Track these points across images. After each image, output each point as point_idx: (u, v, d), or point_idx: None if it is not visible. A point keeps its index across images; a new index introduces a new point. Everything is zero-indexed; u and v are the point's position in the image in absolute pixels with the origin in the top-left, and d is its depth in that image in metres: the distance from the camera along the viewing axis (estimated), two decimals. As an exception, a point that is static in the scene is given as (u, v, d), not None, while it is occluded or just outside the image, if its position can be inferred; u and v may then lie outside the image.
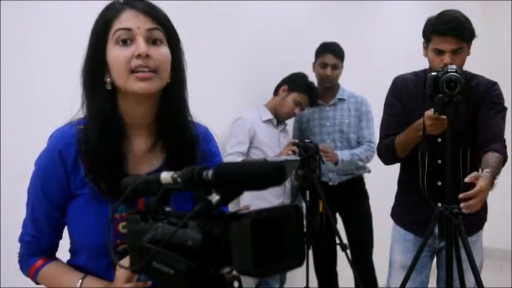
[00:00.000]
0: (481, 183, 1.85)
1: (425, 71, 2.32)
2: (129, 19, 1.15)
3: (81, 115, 1.23)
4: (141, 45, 1.13)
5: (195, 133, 1.27)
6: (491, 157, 2.03)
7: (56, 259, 1.28)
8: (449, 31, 2.11)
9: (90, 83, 1.19)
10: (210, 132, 1.37)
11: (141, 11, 1.16)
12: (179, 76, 1.22)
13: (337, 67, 3.24)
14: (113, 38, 1.15)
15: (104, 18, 1.17)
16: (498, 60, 4.96)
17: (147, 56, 1.13)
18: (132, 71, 1.14)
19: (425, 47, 2.24)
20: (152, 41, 1.16)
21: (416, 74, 2.36)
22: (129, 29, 1.14)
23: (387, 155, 2.35)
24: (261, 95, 3.24)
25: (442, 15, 2.17)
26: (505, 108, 2.24)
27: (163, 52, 1.17)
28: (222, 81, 3.11)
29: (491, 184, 1.90)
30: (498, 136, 2.15)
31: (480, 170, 1.96)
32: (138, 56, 1.13)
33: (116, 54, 1.14)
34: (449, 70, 2.00)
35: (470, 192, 1.85)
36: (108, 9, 1.19)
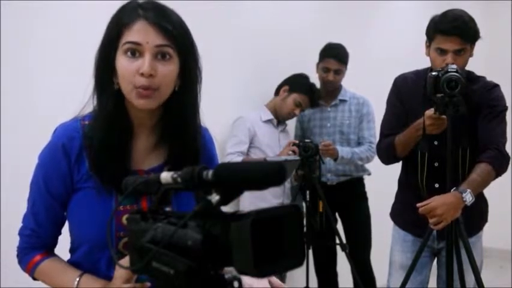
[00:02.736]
0: (432, 204, 1.99)
1: (427, 70, 2.31)
2: (139, 32, 1.14)
3: (84, 112, 1.25)
4: (146, 64, 1.13)
5: (201, 138, 1.29)
6: (478, 169, 2.07)
7: (55, 255, 1.28)
8: (453, 30, 2.09)
9: (99, 81, 1.20)
10: (210, 135, 1.39)
11: (153, 24, 1.15)
12: (189, 84, 1.23)
13: (339, 72, 3.24)
14: (122, 48, 1.15)
15: (116, 23, 1.17)
16: (498, 60, 4.96)
17: (151, 75, 1.14)
18: (135, 86, 1.15)
19: (428, 46, 2.23)
20: (161, 55, 1.16)
21: (417, 73, 2.35)
22: (137, 43, 1.14)
23: (387, 154, 2.35)
24: (261, 95, 3.24)
25: (447, 14, 2.15)
26: (504, 110, 2.22)
27: (168, 69, 1.17)
28: (222, 81, 3.11)
29: (460, 200, 1.98)
30: (493, 143, 2.14)
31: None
32: (142, 74, 1.13)
33: (123, 66, 1.15)
34: (449, 70, 2.00)
35: (421, 210, 2.01)
36: (122, 13, 1.18)
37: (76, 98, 1.24)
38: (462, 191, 1.99)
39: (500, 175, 2.13)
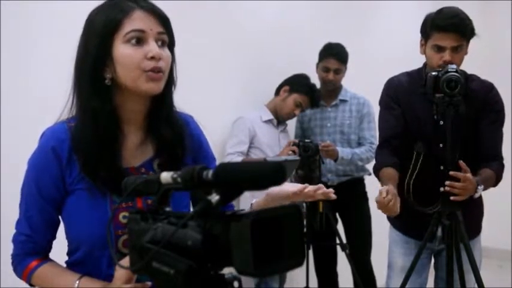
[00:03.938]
0: (468, 174, 1.96)
1: (419, 71, 2.30)
2: (141, 20, 1.17)
3: (66, 116, 1.25)
4: (155, 48, 1.17)
5: (181, 122, 1.31)
6: (487, 174, 2.10)
7: (51, 260, 1.27)
8: (451, 27, 2.08)
9: (88, 79, 1.19)
10: (196, 122, 1.41)
11: (151, 12, 1.19)
12: (171, 74, 1.26)
13: (339, 71, 3.24)
14: (123, 38, 1.16)
15: (111, 17, 1.17)
16: (498, 60, 4.96)
17: (159, 58, 1.17)
18: (144, 71, 1.16)
19: (423, 44, 2.21)
20: (161, 42, 1.20)
21: (409, 75, 2.33)
22: (142, 31, 1.17)
23: (375, 172, 2.32)
24: (261, 95, 3.24)
25: (443, 11, 2.14)
26: (504, 113, 2.23)
27: (168, 55, 1.21)
28: (222, 81, 3.11)
29: (474, 188, 1.99)
30: (497, 154, 2.19)
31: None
32: (152, 58, 1.16)
33: (129, 54, 1.16)
34: (449, 70, 2.00)
35: (460, 174, 1.96)
36: (114, 8, 1.19)
37: (66, 100, 1.24)
38: (478, 182, 2.01)
39: (495, 185, 2.18)
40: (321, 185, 1.29)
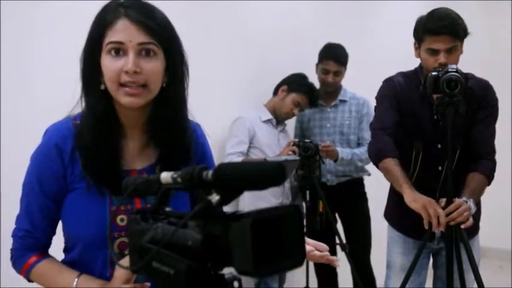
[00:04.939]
0: (456, 202, 1.99)
1: (415, 72, 2.29)
2: (122, 31, 1.15)
3: (77, 111, 1.25)
4: (130, 62, 1.14)
5: (191, 133, 1.29)
6: (476, 181, 2.10)
7: (50, 256, 1.28)
8: (443, 29, 2.07)
9: (86, 81, 1.20)
10: (202, 130, 1.40)
11: (136, 22, 1.15)
12: (176, 80, 1.23)
13: (339, 73, 3.23)
14: (105, 48, 1.16)
15: (99, 24, 1.18)
16: (498, 60, 4.96)
17: (135, 72, 1.14)
18: (122, 84, 1.15)
19: (417, 48, 2.20)
20: (145, 52, 1.16)
21: (405, 75, 2.31)
22: (120, 42, 1.15)
23: (374, 160, 2.28)
24: (261, 95, 3.24)
25: (434, 13, 2.13)
26: (498, 109, 2.24)
27: (153, 65, 1.17)
28: (222, 81, 3.11)
29: (467, 206, 2.00)
30: (489, 152, 2.18)
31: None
32: (127, 72, 1.14)
33: (107, 65, 1.16)
34: (449, 70, 1.99)
35: (447, 209, 1.98)
36: (104, 12, 1.18)
37: (75, 97, 1.24)
38: (467, 199, 2.01)
39: (489, 184, 2.18)
40: (326, 253, 1.33)
